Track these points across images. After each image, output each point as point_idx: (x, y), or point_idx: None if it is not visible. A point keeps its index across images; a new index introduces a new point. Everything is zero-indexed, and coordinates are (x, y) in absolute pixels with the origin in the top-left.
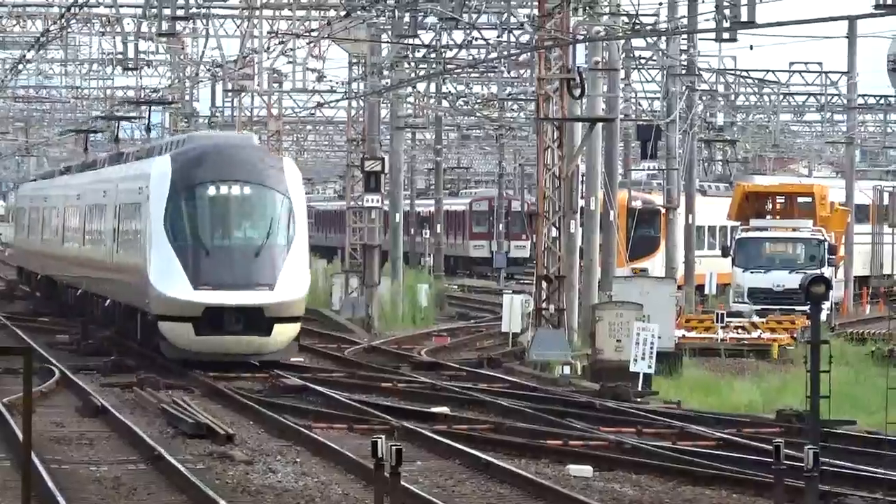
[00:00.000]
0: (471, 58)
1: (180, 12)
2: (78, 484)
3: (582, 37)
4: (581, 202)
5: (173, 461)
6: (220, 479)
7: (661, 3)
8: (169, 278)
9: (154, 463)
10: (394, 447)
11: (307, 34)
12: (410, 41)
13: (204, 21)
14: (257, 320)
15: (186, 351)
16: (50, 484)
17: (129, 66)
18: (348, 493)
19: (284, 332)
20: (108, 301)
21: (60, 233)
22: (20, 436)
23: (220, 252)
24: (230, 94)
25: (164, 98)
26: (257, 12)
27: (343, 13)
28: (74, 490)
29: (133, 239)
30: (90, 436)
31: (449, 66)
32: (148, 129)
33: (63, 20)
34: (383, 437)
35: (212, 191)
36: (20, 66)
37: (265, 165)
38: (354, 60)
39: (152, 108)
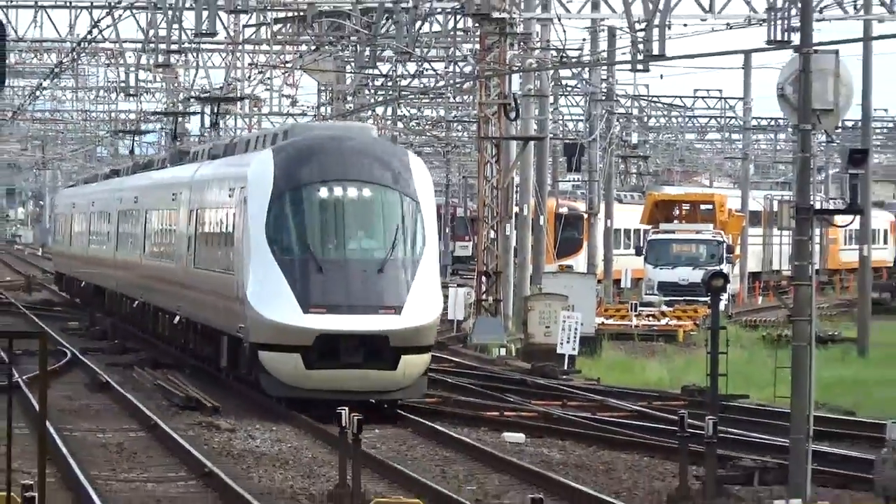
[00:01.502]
0: (422, 86)
1: (174, 47)
2: (86, 448)
3: (516, 68)
4: (516, 209)
5: (167, 429)
6: (207, 445)
7: (584, 39)
8: (272, 299)
9: (151, 431)
10: (356, 417)
11: (282, 66)
12: (370, 71)
13: (194, 54)
14: (381, 351)
15: (294, 388)
16: (63, 448)
17: (131, 92)
18: (316, 457)
19: (413, 365)
20: (178, 318)
21: (113, 239)
22: (37, 407)
23: (336, 267)
24: (216, 116)
25: (229, 95)
26: (240, 47)
27: (313, 48)
28: (83, 454)
29: (220, 250)
30: (96, 407)
31: (403, 93)
32: (215, 125)
33: (74, 53)
34: (346, 409)
35: (324, 193)
36: (37, 93)
37: (388, 162)
38: (322, 88)
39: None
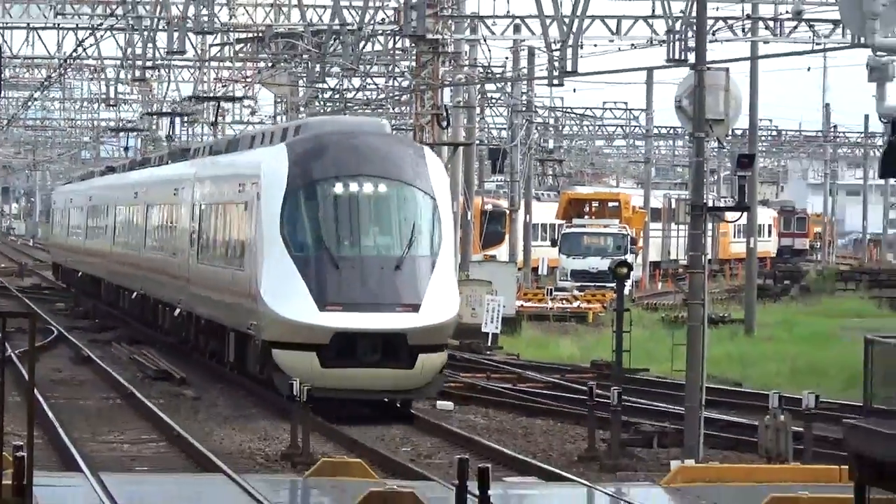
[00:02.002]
0: (365, 98)
1: (149, 63)
2: (70, 414)
3: (448, 82)
4: None
5: (141, 397)
6: (175, 409)
7: (507, 57)
8: (287, 297)
9: (127, 398)
10: (304, 387)
11: (244, 80)
12: (320, 85)
13: (166, 70)
14: (398, 349)
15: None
16: (49, 414)
17: (111, 103)
18: (272, 423)
19: (430, 364)
20: (179, 311)
21: (111, 233)
22: (27, 378)
23: (352, 264)
24: (185, 124)
25: (230, 95)
26: (206, 64)
27: (270, 64)
28: (67, 418)
29: (228, 245)
30: (80, 378)
31: (349, 104)
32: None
33: (61, 69)
34: (298, 380)
35: (339, 188)
36: (29, 103)
37: (404, 157)
38: (278, 100)
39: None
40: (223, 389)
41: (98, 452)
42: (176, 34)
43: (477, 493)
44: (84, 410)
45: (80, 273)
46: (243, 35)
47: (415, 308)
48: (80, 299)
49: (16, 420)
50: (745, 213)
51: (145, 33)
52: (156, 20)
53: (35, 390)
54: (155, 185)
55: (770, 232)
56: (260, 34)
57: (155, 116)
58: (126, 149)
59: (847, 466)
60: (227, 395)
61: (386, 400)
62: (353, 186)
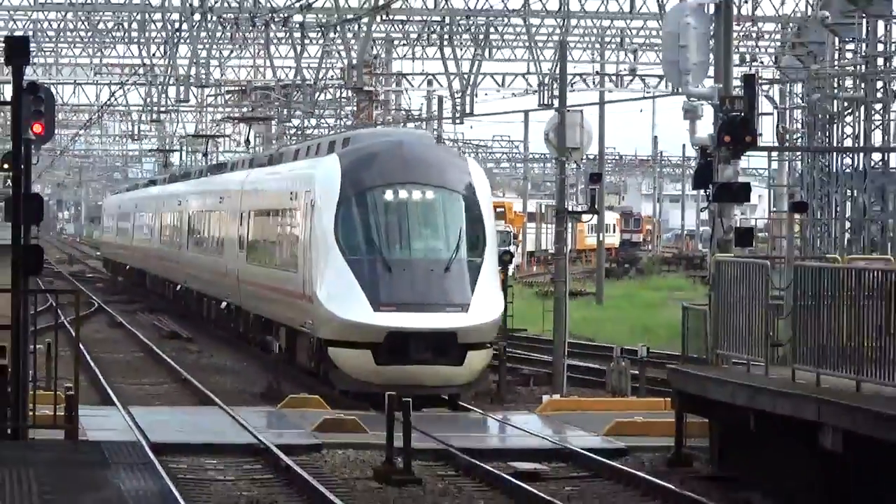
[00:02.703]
0: (319, 134)
1: (163, 108)
2: (106, 364)
3: (379, 123)
4: None
5: (158, 351)
6: (182, 361)
7: (422, 103)
8: (343, 298)
9: (148, 353)
10: (279, 344)
11: (231, 119)
12: (287, 124)
13: (175, 113)
14: (448, 347)
15: (363, 383)
16: (91, 364)
17: (135, 138)
18: (255, 371)
19: (478, 361)
20: (225, 304)
21: (157, 234)
22: (74, 337)
23: (404, 267)
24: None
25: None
26: (204, 109)
27: (251, 109)
28: (104, 367)
29: (279, 248)
30: (114, 338)
31: (308, 139)
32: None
33: (99, 113)
34: (270, 336)
35: (390, 195)
36: (75, 139)
37: (449, 165)
38: (256, 135)
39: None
40: (218, 346)
41: (127, 392)
42: (182, 87)
43: (402, 418)
44: (117, 361)
45: (127, 266)
46: (232, 88)
47: (464, 308)
48: (117, 281)
49: (66, 368)
50: (595, 216)
51: (160, 87)
52: (167, 77)
53: (80, 345)
54: (200, 194)
55: (614, 229)
56: (243, 88)
57: (167, 149)
58: (166, 165)
59: (670, 399)
60: (220, 351)
61: (444, 397)
62: (403, 193)
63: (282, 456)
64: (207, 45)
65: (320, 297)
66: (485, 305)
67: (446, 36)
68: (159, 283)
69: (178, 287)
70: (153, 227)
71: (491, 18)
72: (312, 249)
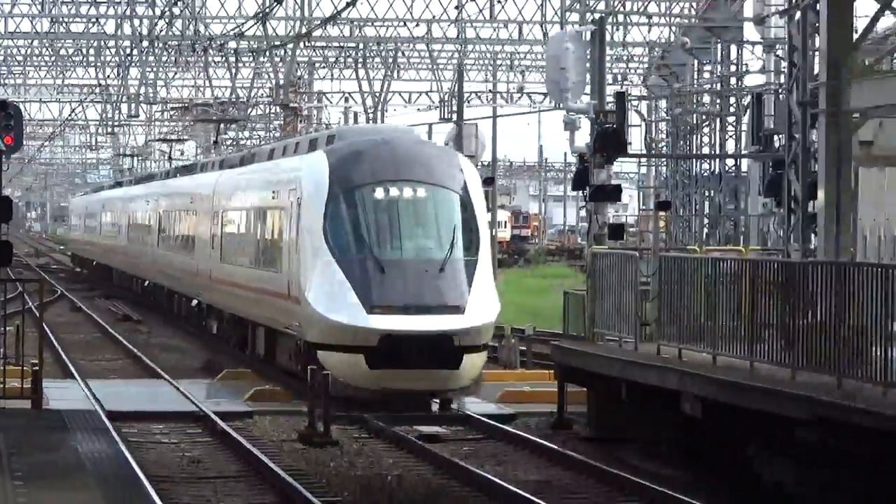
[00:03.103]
0: (252, 144)
1: (117, 123)
2: (67, 344)
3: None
4: None
5: (113, 332)
6: (134, 340)
7: (339, 118)
8: (334, 300)
9: (104, 333)
10: (215, 324)
11: (176, 133)
12: (223, 136)
13: (127, 127)
14: (445, 350)
15: (355, 388)
16: (55, 343)
17: (93, 148)
18: (198, 348)
19: (474, 364)
20: (195, 302)
21: (124, 232)
22: (39, 319)
23: (397, 268)
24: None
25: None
26: (153, 123)
27: (192, 122)
28: (66, 346)
29: (258, 248)
30: (74, 321)
31: (242, 148)
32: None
33: (61, 127)
34: (216, 322)
35: (381, 193)
36: (40, 149)
37: (441, 162)
38: (197, 144)
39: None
40: (164, 328)
41: (86, 367)
42: (133, 104)
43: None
44: (77, 341)
45: (94, 262)
46: (176, 105)
47: (460, 309)
48: (76, 272)
49: (32, 347)
50: (489, 213)
51: (114, 104)
52: (120, 96)
53: (44, 327)
54: (168, 195)
55: (506, 225)
56: (186, 104)
57: (122, 156)
58: (130, 170)
59: (553, 371)
60: (166, 332)
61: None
62: (394, 191)
63: (218, 421)
64: (155, 68)
65: (309, 299)
66: (481, 306)
67: (360, 59)
68: (126, 278)
69: (147, 283)
70: (121, 226)
71: (399, 44)
72: (300, 249)
